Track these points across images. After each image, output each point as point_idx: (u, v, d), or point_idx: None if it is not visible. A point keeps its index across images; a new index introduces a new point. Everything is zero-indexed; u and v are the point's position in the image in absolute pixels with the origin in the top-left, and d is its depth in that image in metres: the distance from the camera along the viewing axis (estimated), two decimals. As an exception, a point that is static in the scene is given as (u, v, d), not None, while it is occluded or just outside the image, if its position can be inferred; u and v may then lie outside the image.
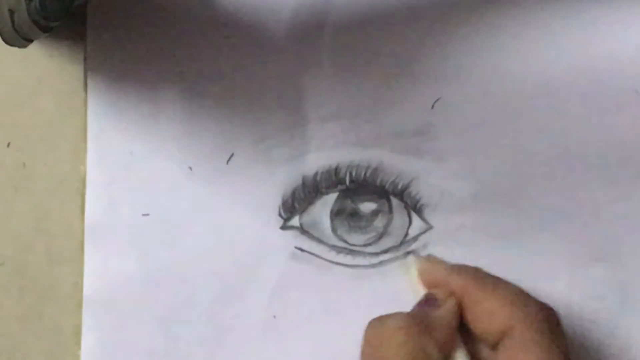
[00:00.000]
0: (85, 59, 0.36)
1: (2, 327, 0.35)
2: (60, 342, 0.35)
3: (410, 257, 0.35)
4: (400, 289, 0.35)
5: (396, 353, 0.30)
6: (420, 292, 0.33)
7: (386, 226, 0.35)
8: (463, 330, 0.31)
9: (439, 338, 0.30)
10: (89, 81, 0.36)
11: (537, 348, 0.30)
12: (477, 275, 0.32)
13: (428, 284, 0.33)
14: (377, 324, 0.31)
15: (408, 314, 0.31)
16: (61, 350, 0.35)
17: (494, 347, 0.31)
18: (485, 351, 0.32)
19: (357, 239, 0.35)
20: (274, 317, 0.35)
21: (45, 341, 0.35)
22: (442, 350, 0.30)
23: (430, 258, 0.34)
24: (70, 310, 0.35)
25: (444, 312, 0.31)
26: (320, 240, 0.35)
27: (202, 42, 0.36)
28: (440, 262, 0.33)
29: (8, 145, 0.36)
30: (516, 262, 0.35)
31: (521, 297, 0.31)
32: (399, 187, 0.36)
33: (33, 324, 0.35)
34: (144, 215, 0.35)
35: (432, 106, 0.36)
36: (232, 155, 0.36)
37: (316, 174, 0.36)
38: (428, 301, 0.32)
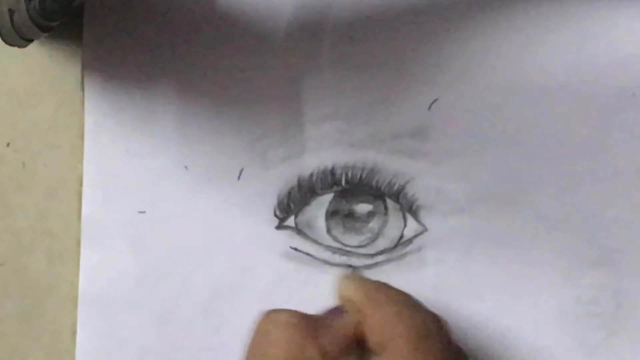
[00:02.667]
0: (82, 58, 0.37)
1: (2, 327, 0.35)
2: (59, 342, 0.35)
3: (338, 273, 0.35)
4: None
5: (278, 347, 0.30)
6: None
7: (381, 228, 0.35)
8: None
9: (325, 346, 0.30)
10: (85, 79, 0.36)
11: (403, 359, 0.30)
12: (372, 288, 0.32)
13: (340, 299, 0.33)
14: (272, 314, 0.31)
15: (300, 312, 0.31)
16: (61, 350, 0.35)
17: None
18: None
19: (352, 239, 0.35)
20: (269, 317, 0.35)
21: (45, 341, 0.35)
22: (327, 356, 0.30)
23: (348, 274, 0.34)
24: (70, 310, 0.35)
25: (341, 323, 0.31)
26: (315, 241, 0.35)
27: (200, 42, 0.36)
28: (352, 277, 0.34)
29: (8, 145, 0.36)
30: (511, 266, 0.35)
31: (401, 309, 0.31)
32: (395, 188, 0.36)
33: (33, 324, 0.35)
34: (139, 212, 0.36)
35: (429, 108, 0.36)
36: (231, 156, 0.36)
37: (312, 174, 0.36)
38: (334, 310, 0.32)
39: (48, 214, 0.36)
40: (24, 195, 0.36)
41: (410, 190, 0.36)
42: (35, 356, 0.35)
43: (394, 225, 0.35)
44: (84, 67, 0.36)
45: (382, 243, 0.35)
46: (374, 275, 0.35)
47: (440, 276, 0.35)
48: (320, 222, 0.35)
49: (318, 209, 0.36)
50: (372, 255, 0.35)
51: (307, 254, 0.35)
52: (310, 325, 0.31)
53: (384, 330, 0.30)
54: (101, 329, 0.35)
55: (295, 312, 0.32)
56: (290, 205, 0.36)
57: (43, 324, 0.35)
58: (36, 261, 0.36)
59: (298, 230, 0.35)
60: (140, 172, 0.36)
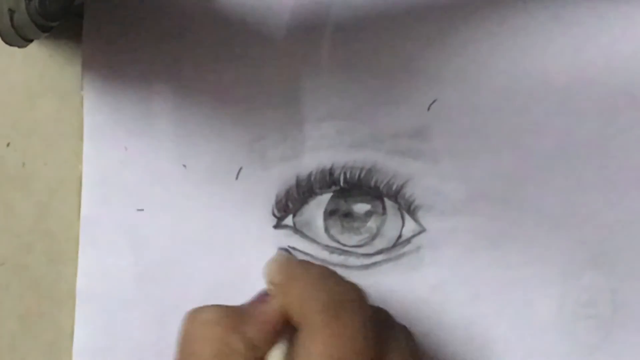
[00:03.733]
0: (82, 57, 0.37)
1: (2, 327, 0.36)
2: (59, 341, 0.35)
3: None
4: (392, 290, 0.35)
5: (202, 346, 0.30)
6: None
7: (379, 227, 0.35)
8: None
9: (251, 336, 0.30)
10: (84, 77, 0.36)
11: (320, 337, 0.29)
12: (293, 266, 0.32)
13: (267, 284, 0.32)
14: (191, 315, 0.31)
15: (223, 307, 0.31)
16: (61, 349, 0.35)
17: None
18: None
19: (350, 239, 0.35)
20: (267, 316, 0.35)
21: (45, 341, 0.35)
22: (254, 347, 0.30)
23: (275, 257, 0.33)
24: (70, 310, 0.35)
25: (265, 309, 0.31)
26: (313, 240, 0.35)
27: (199, 42, 0.36)
28: (277, 260, 0.32)
29: (8, 145, 0.37)
30: (509, 267, 0.35)
31: (320, 282, 0.30)
32: (393, 188, 0.35)
33: (33, 323, 0.36)
34: (138, 210, 0.36)
35: (428, 108, 0.36)
36: (229, 154, 0.36)
37: (310, 174, 0.36)
38: (260, 296, 0.32)
39: (48, 214, 0.36)
40: (24, 195, 0.36)
41: (408, 190, 0.36)
42: (35, 356, 0.35)
43: (392, 225, 0.35)
44: (83, 67, 0.36)
45: (380, 243, 0.35)
46: (372, 275, 0.35)
47: (438, 276, 0.35)
48: (319, 222, 0.35)
49: (316, 209, 0.36)
50: (370, 255, 0.35)
51: (305, 254, 0.35)
52: (232, 318, 0.30)
53: (302, 305, 0.30)
54: (99, 328, 0.35)
55: (217, 307, 0.31)
56: (289, 205, 0.36)
57: (43, 324, 0.36)
58: (36, 261, 0.36)
59: (296, 229, 0.35)
60: (139, 171, 0.36)
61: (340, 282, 0.31)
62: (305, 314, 0.29)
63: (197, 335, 0.30)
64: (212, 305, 0.31)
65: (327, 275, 0.31)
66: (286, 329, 0.31)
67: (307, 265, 0.32)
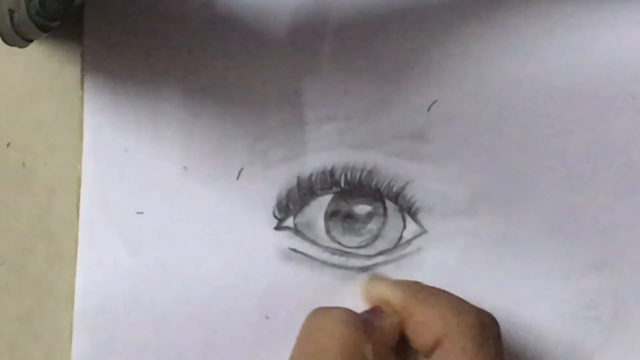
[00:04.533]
0: (82, 57, 0.37)
1: (2, 327, 0.36)
2: (59, 342, 0.35)
3: (361, 275, 0.35)
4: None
5: (334, 345, 0.30)
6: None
7: (380, 229, 0.35)
8: (405, 346, 0.32)
9: (377, 345, 0.30)
10: (85, 79, 0.36)
11: (466, 356, 0.30)
12: (414, 287, 0.32)
13: (372, 301, 0.33)
14: (322, 312, 0.31)
15: (353, 311, 0.32)
16: (60, 350, 0.35)
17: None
18: None
19: (350, 240, 0.35)
20: (267, 317, 0.35)
21: (45, 341, 0.35)
22: (379, 355, 0.30)
23: (373, 275, 0.34)
24: (69, 310, 0.35)
25: (386, 324, 0.31)
26: (314, 242, 0.35)
27: (200, 42, 0.36)
28: (382, 278, 0.34)
29: (8, 145, 0.37)
30: (510, 268, 0.35)
31: (456, 307, 0.31)
32: (394, 190, 0.36)
33: (33, 324, 0.35)
34: (138, 213, 0.36)
35: (429, 109, 0.36)
36: (229, 156, 0.36)
37: (311, 175, 0.36)
38: (373, 311, 0.32)
39: (48, 214, 0.36)
40: (24, 195, 0.36)
41: (409, 191, 0.36)
42: (35, 356, 0.35)
43: (393, 226, 0.35)
44: (83, 67, 0.36)
45: (381, 244, 0.35)
46: (373, 276, 0.35)
47: (439, 278, 0.35)
48: (320, 223, 0.35)
49: (317, 210, 0.36)
50: (371, 257, 0.35)
51: (306, 255, 0.35)
52: (363, 324, 0.31)
53: (435, 327, 0.30)
54: (98, 330, 0.35)
55: (345, 308, 0.32)
56: (290, 206, 0.36)
57: (43, 324, 0.35)
58: (36, 261, 0.36)
59: (297, 231, 0.35)
60: (139, 173, 0.36)
61: (477, 308, 0.31)
62: (443, 335, 0.30)
63: (328, 332, 0.30)
64: (342, 308, 0.32)
65: (459, 300, 0.32)
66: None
67: (428, 288, 0.33)
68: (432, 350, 0.31)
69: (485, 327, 0.31)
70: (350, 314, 0.31)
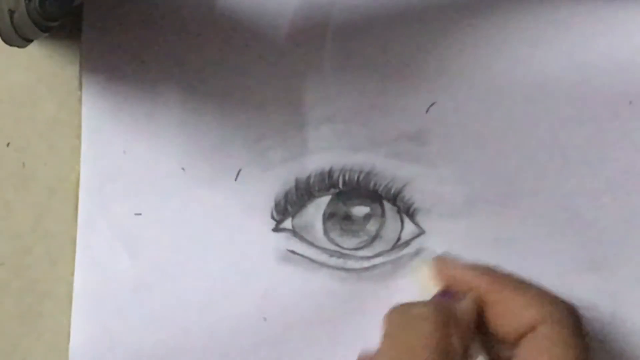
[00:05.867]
0: (80, 58, 0.37)
1: (2, 327, 0.36)
2: (59, 342, 0.35)
3: (422, 259, 0.35)
4: (391, 292, 0.35)
5: (423, 343, 0.30)
6: (432, 290, 0.33)
7: (378, 230, 0.35)
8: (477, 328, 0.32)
9: (461, 331, 0.30)
10: (83, 80, 0.36)
11: (562, 345, 0.30)
12: (497, 274, 0.33)
13: (444, 282, 0.33)
14: (403, 309, 0.31)
15: (432, 303, 0.32)
16: (60, 350, 0.35)
17: (514, 345, 0.31)
18: (498, 348, 0.32)
19: (349, 242, 0.35)
20: (265, 319, 0.35)
21: (45, 341, 0.36)
22: (464, 343, 0.30)
23: (445, 256, 0.34)
24: (69, 310, 0.35)
25: (465, 305, 0.31)
26: (312, 243, 0.35)
27: (199, 42, 0.36)
28: (456, 260, 0.34)
29: (8, 145, 0.37)
30: (507, 269, 0.35)
31: (546, 296, 0.31)
32: (392, 191, 0.36)
33: (33, 324, 0.36)
34: (136, 214, 0.36)
35: (427, 111, 0.36)
36: (228, 156, 0.36)
37: (309, 176, 0.36)
38: (447, 293, 0.32)
39: (47, 214, 0.36)
40: (23, 195, 0.36)
41: (407, 193, 0.36)
42: (35, 356, 0.36)
43: (391, 227, 0.35)
44: (82, 68, 0.36)
45: (379, 245, 0.35)
46: (371, 277, 0.35)
47: (437, 279, 0.35)
48: (318, 225, 0.36)
49: (315, 212, 0.36)
50: (369, 258, 0.35)
51: (304, 257, 0.35)
52: (443, 313, 0.31)
53: (530, 313, 0.31)
54: (95, 331, 0.35)
55: (423, 303, 0.32)
56: (288, 208, 0.36)
57: (43, 324, 0.36)
58: (36, 261, 0.36)
59: (295, 232, 0.36)
60: (138, 174, 0.36)
61: (565, 302, 0.32)
62: (537, 322, 0.30)
63: (414, 329, 0.30)
64: (421, 302, 0.32)
65: (543, 290, 0.32)
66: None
67: (508, 274, 0.33)
68: (521, 336, 0.31)
69: (577, 319, 0.31)
70: (431, 308, 0.31)
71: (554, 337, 0.30)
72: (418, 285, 0.34)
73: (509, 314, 0.31)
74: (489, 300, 0.32)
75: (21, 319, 0.36)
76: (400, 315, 0.31)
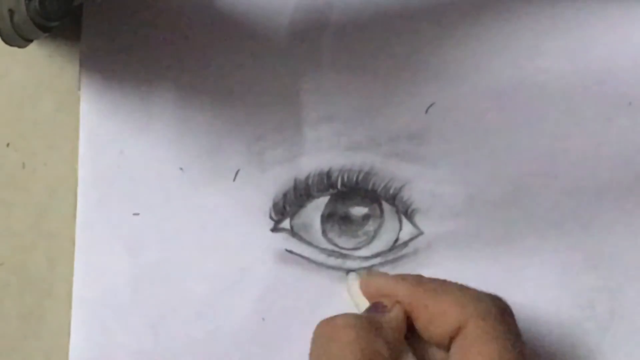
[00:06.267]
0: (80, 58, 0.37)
1: (2, 327, 0.36)
2: (59, 342, 0.35)
3: (351, 274, 0.35)
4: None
5: (346, 352, 0.30)
6: (364, 305, 0.33)
7: (377, 230, 0.35)
8: (411, 337, 0.32)
9: (389, 340, 0.30)
10: (82, 80, 0.36)
11: (491, 339, 0.30)
12: (422, 280, 0.32)
13: (371, 296, 0.33)
14: (327, 322, 0.31)
15: (356, 314, 0.32)
16: (60, 350, 0.35)
17: (448, 348, 0.31)
18: (436, 355, 0.32)
19: (347, 242, 0.35)
20: (263, 319, 0.35)
21: (45, 341, 0.36)
22: (392, 352, 0.30)
23: (371, 271, 0.35)
24: (69, 310, 0.35)
25: (392, 316, 0.32)
26: (310, 243, 0.35)
27: (198, 42, 0.36)
28: (382, 273, 0.34)
29: (7, 145, 0.37)
30: (507, 269, 0.35)
31: (470, 294, 0.31)
32: (391, 191, 0.36)
33: (33, 324, 0.36)
34: (134, 214, 0.36)
35: (426, 111, 0.36)
36: (225, 155, 0.36)
37: (308, 177, 0.36)
38: (376, 307, 0.32)
39: (47, 214, 0.36)
40: (24, 195, 0.36)
41: (406, 193, 0.36)
42: (35, 356, 0.36)
43: (389, 228, 0.35)
44: (81, 67, 0.36)
45: (377, 246, 0.35)
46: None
47: (435, 280, 0.35)
48: (316, 225, 0.36)
49: (314, 212, 0.36)
50: (367, 258, 0.35)
51: (303, 257, 0.35)
52: (368, 323, 0.31)
53: (453, 315, 0.31)
54: (95, 332, 0.35)
55: (349, 314, 0.32)
56: (286, 208, 0.36)
57: (43, 324, 0.36)
58: (36, 261, 0.36)
59: (293, 232, 0.35)
60: (136, 174, 0.36)
61: (490, 294, 0.32)
62: (464, 321, 0.30)
63: (338, 339, 0.30)
64: (345, 314, 0.32)
65: (467, 288, 0.32)
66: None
67: (432, 279, 0.33)
68: (451, 339, 0.31)
69: (503, 310, 0.31)
70: (356, 317, 0.31)
71: (480, 332, 0.30)
72: (351, 301, 0.34)
73: (435, 319, 0.31)
74: (415, 308, 0.32)
75: (21, 319, 0.36)
76: (326, 326, 0.31)
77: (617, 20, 0.36)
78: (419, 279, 0.33)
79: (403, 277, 0.33)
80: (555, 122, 0.36)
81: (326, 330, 0.31)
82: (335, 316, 0.31)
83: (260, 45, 0.36)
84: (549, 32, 0.36)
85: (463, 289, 0.32)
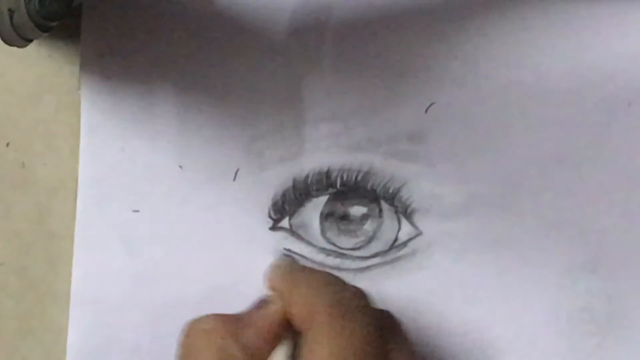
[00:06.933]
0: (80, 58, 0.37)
1: (2, 327, 0.36)
2: (59, 342, 0.35)
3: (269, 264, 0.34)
4: (388, 293, 0.35)
5: (202, 356, 0.30)
6: None
7: (376, 230, 0.35)
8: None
9: (248, 342, 0.30)
10: (82, 78, 0.36)
11: (331, 331, 0.29)
12: (296, 271, 0.32)
13: (270, 289, 0.32)
14: (190, 325, 0.31)
15: (221, 315, 0.31)
16: (60, 350, 0.35)
17: None
18: None
19: (346, 242, 0.35)
20: (262, 318, 0.35)
21: (45, 341, 0.36)
22: (253, 353, 0.30)
23: (276, 263, 0.34)
24: (69, 309, 0.35)
25: (264, 314, 0.31)
26: (309, 243, 0.35)
27: (198, 42, 0.36)
28: (279, 265, 0.33)
29: (7, 145, 0.37)
30: (505, 271, 0.35)
31: (325, 287, 0.31)
32: (390, 191, 0.35)
33: (33, 324, 0.36)
34: (134, 211, 0.36)
35: (426, 111, 0.36)
36: (226, 155, 0.36)
37: (307, 176, 0.36)
38: (259, 302, 0.32)
39: (48, 214, 0.36)
40: (23, 195, 0.36)
41: (405, 193, 0.35)
42: (35, 356, 0.36)
43: (388, 228, 0.35)
44: (81, 67, 0.36)
45: (376, 246, 0.35)
46: (368, 278, 0.35)
47: (434, 280, 0.35)
48: (315, 224, 0.36)
49: (313, 211, 0.36)
50: (366, 258, 0.35)
51: (301, 256, 0.35)
52: (230, 325, 0.31)
53: (307, 309, 0.30)
54: (93, 329, 0.35)
55: (214, 315, 0.31)
56: (285, 207, 0.36)
57: (43, 324, 0.36)
58: (36, 261, 0.36)
59: (292, 232, 0.35)
60: (135, 172, 0.36)
61: (345, 287, 0.31)
62: (311, 317, 0.30)
63: (197, 345, 0.31)
64: (210, 315, 0.31)
65: (331, 281, 0.31)
66: (289, 333, 0.31)
67: (310, 271, 0.32)
68: (306, 331, 0.30)
69: (349, 302, 0.30)
70: (212, 320, 0.31)
71: (325, 329, 0.29)
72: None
73: (298, 312, 0.30)
74: (286, 300, 0.31)
75: (21, 319, 0.36)
76: (185, 330, 0.31)
77: (617, 20, 0.36)
78: (297, 270, 0.32)
79: (288, 270, 0.32)
80: (555, 123, 0.35)
81: (187, 335, 0.31)
82: (199, 319, 0.31)
83: (260, 45, 0.36)
84: (548, 32, 0.36)
85: (318, 281, 0.31)
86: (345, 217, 0.36)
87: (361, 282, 0.35)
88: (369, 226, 0.35)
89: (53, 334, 0.36)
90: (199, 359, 0.30)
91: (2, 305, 0.36)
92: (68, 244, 0.36)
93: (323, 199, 0.36)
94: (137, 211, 0.36)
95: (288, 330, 0.31)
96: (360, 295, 0.31)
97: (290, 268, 0.33)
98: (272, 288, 0.32)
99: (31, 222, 0.36)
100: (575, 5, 0.36)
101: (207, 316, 0.31)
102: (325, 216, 0.36)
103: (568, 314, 0.35)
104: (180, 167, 0.36)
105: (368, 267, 0.35)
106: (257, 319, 0.31)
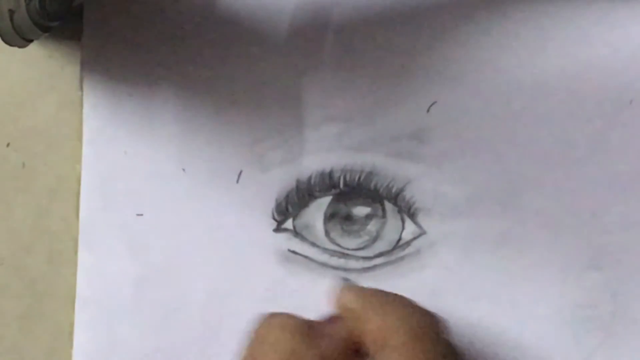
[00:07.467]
0: (81, 58, 0.37)
1: (1, 327, 0.36)
2: (59, 342, 0.35)
3: (330, 282, 0.35)
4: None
5: (277, 351, 0.30)
6: None
7: (379, 230, 0.35)
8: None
9: (324, 350, 0.30)
10: (84, 80, 0.36)
11: (407, 356, 0.30)
12: (372, 294, 0.32)
13: (340, 309, 0.32)
14: (269, 318, 0.32)
15: (298, 317, 0.32)
16: (60, 350, 0.35)
17: None
18: None
19: (350, 242, 0.35)
20: (266, 320, 0.35)
21: (45, 341, 0.36)
22: None
23: (346, 284, 0.34)
24: (69, 310, 0.35)
25: (338, 329, 0.31)
26: (313, 243, 0.35)
27: (199, 43, 0.36)
28: (349, 287, 0.33)
29: (8, 145, 0.37)
30: (509, 269, 0.35)
31: (401, 311, 0.31)
32: (393, 191, 0.36)
33: (33, 324, 0.36)
34: (137, 215, 0.36)
35: (428, 110, 0.36)
36: (226, 154, 0.36)
37: (310, 177, 0.36)
38: (330, 317, 0.32)
39: (48, 214, 0.36)
40: (24, 195, 0.36)
41: (408, 193, 0.36)
42: (35, 356, 0.36)
43: (392, 228, 0.35)
44: (83, 68, 0.36)
45: (380, 246, 0.35)
46: (372, 278, 0.35)
47: (438, 279, 0.35)
48: (319, 225, 0.36)
49: (316, 212, 0.36)
50: (370, 258, 0.35)
51: (305, 257, 0.35)
52: (308, 329, 0.31)
53: (382, 332, 0.30)
54: (98, 332, 0.35)
55: (293, 315, 0.32)
56: (289, 208, 0.36)
57: (43, 324, 0.36)
58: (36, 261, 0.36)
59: (296, 233, 0.36)
60: (139, 175, 0.36)
61: (421, 312, 0.31)
62: (385, 339, 0.30)
63: (270, 337, 0.31)
64: (288, 313, 0.31)
65: (407, 304, 0.32)
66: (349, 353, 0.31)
67: (386, 293, 0.32)
68: (380, 352, 0.30)
69: (422, 327, 0.31)
70: (294, 319, 0.31)
71: (401, 348, 0.30)
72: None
73: (366, 330, 0.31)
74: (361, 322, 0.31)
75: (21, 319, 0.36)
76: (263, 320, 0.32)
77: (617, 20, 0.36)
78: (373, 293, 0.32)
79: (362, 292, 0.32)
80: (557, 121, 0.36)
81: (263, 328, 0.31)
82: (278, 314, 0.32)
83: (261, 46, 0.36)
84: (549, 31, 0.36)
85: (396, 305, 0.31)
86: (348, 218, 0.36)
87: (365, 282, 0.35)
88: (372, 226, 0.36)
89: (53, 334, 0.36)
90: (269, 351, 0.30)
91: (2, 305, 0.36)
92: (68, 244, 0.36)
93: (326, 199, 0.36)
94: (141, 215, 0.36)
95: (353, 353, 0.31)
96: (436, 321, 0.31)
97: (364, 289, 0.33)
98: (344, 308, 0.32)
99: (31, 222, 0.36)
100: (576, 4, 0.36)
101: (287, 314, 0.32)
102: (329, 217, 0.36)
103: (572, 311, 0.35)
104: (184, 170, 0.36)
105: (372, 267, 0.35)
106: (333, 332, 0.31)
